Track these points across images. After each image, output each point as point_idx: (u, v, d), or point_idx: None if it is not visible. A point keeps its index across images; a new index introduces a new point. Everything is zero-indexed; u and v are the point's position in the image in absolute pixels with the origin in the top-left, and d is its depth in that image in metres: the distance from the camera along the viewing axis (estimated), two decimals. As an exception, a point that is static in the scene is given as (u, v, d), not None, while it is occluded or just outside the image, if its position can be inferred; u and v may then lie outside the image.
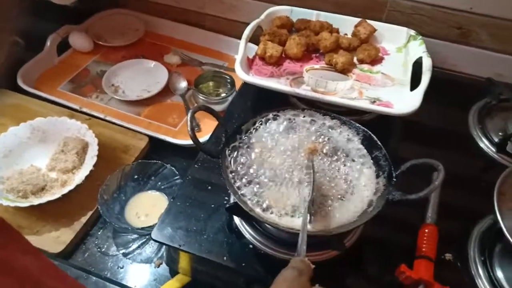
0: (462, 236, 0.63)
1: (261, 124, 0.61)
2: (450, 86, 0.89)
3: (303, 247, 0.45)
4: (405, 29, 0.85)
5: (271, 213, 0.52)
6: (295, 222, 0.51)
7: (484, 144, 0.77)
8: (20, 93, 0.92)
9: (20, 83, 0.92)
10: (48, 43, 1.02)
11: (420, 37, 0.83)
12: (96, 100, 0.94)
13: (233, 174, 0.55)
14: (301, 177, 0.54)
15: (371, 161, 0.57)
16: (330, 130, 0.61)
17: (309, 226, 0.50)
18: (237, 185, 0.54)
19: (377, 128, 0.60)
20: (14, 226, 0.68)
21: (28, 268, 0.34)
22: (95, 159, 0.75)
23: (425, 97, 0.69)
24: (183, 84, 0.96)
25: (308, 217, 0.49)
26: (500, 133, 0.78)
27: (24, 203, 0.69)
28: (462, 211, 0.67)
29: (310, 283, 0.42)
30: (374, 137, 0.58)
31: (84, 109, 0.88)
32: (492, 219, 0.63)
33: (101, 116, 0.87)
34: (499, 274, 0.58)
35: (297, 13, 0.89)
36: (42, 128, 0.82)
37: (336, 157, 0.57)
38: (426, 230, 0.60)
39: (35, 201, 0.70)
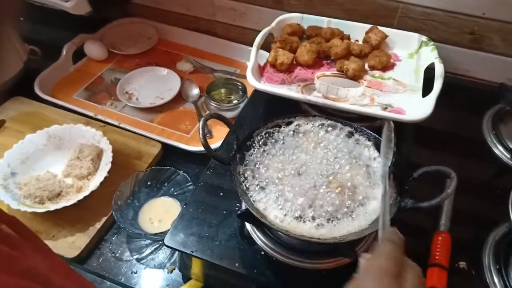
0: (476, 244, 0.62)
1: (272, 131, 0.61)
2: (463, 92, 0.88)
3: (387, 217, 0.44)
4: (416, 35, 0.85)
5: (282, 220, 0.52)
6: (306, 229, 0.51)
7: (499, 150, 0.76)
8: (37, 101, 0.94)
9: (37, 91, 0.95)
10: (64, 51, 1.05)
11: (432, 43, 0.83)
12: (110, 107, 0.96)
13: (244, 180, 0.56)
14: (311, 184, 0.54)
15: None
16: (342, 137, 0.61)
17: (320, 233, 0.50)
18: (248, 191, 0.54)
19: (389, 135, 0.60)
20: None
21: (38, 267, 0.35)
22: (109, 165, 0.77)
23: (437, 103, 0.69)
24: (195, 91, 0.97)
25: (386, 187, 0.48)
26: (514, 139, 0.77)
27: (41, 209, 0.71)
28: (476, 218, 0.66)
29: (404, 256, 0.40)
30: (386, 144, 0.58)
31: (99, 116, 0.90)
32: (507, 227, 0.62)
33: (115, 123, 0.88)
34: (515, 283, 0.58)
35: (308, 20, 0.89)
36: (58, 135, 0.84)
37: (350, 164, 0.57)
38: (440, 238, 0.59)
39: (51, 206, 0.71)
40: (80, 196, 0.72)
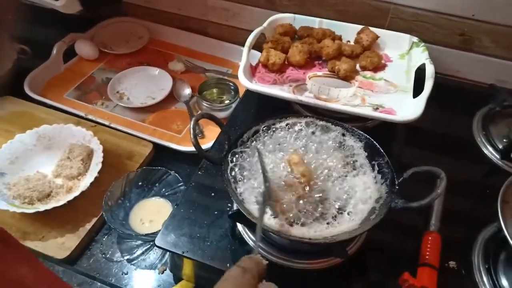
0: (466, 244, 0.63)
1: (263, 131, 0.61)
2: (453, 93, 0.89)
3: (258, 243, 0.46)
4: (407, 36, 0.86)
5: (273, 220, 0.52)
6: (297, 230, 0.51)
7: (488, 150, 0.77)
8: (27, 100, 0.93)
9: (27, 90, 0.94)
10: (54, 51, 1.04)
11: (423, 44, 0.84)
12: (101, 107, 0.95)
13: (235, 181, 0.55)
14: (301, 186, 0.54)
15: (377, 168, 0.57)
16: (331, 136, 0.61)
17: (312, 233, 0.50)
18: (239, 192, 0.54)
19: (380, 135, 0.60)
20: (20, 232, 0.69)
21: (23, 278, 0.35)
22: (100, 165, 0.76)
23: (428, 104, 0.69)
24: (187, 91, 0.97)
25: (263, 210, 0.49)
26: (504, 140, 0.77)
27: (30, 209, 0.70)
28: (466, 218, 0.66)
29: (257, 280, 0.41)
30: (377, 144, 0.58)
31: (90, 116, 0.89)
32: (496, 227, 0.63)
33: (106, 123, 0.88)
34: (504, 282, 0.58)
35: (300, 21, 0.90)
36: (48, 135, 0.83)
37: (339, 165, 0.57)
38: (430, 238, 0.60)
39: (41, 207, 0.70)
40: (70, 196, 0.72)
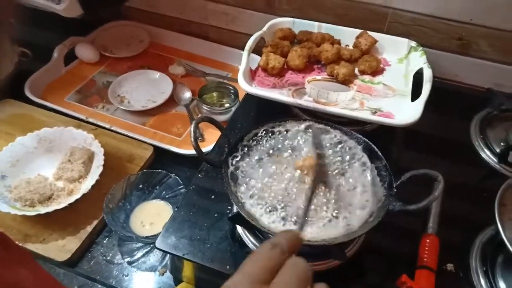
0: (463, 247, 0.63)
1: (263, 135, 0.62)
2: (451, 97, 0.90)
3: (300, 222, 0.44)
4: (406, 40, 0.87)
5: (273, 222, 0.52)
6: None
7: (486, 154, 0.78)
8: (28, 103, 0.93)
9: (28, 93, 0.94)
10: (55, 54, 1.04)
11: (421, 48, 0.84)
12: (102, 110, 0.96)
13: (235, 183, 0.56)
14: (301, 188, 0.55)
15: (375, 171, 0.58)
16: (332, 140, 0.62)
17: (310, 236, 0.50)
18: (239, 194, 0.55)
19: (378, 138, 0.61)
20: (21, 234, 0.70)
21: (23, 281, 0.35)
22: (101, 168, 0.76)
23: (426, 108, 0.70)
24: (187, 94, 0.98)
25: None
26: (501, 143, 0.78)
27: (31, 212, 0.70)
28: (464, 221, 0.67)
29: (286, 255, 0.36)
30: (375, 147, 0.59)
31: (90, 119, 0.90)
32: (493, 230, 0.63)
33: (107, 126, 0.88)
34: (501, 285, 0.59)
35: (299, 25, 0.90)
36: (49, 138, 0.83)
37: (338, 167, 0.58)
38: (427, 240, 0.60)
39: (42, 210, 0.71)
40: (71, 199, 0.72)
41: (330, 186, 0.55)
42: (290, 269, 0.34)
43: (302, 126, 0.63)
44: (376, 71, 0.82)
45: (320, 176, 0.51)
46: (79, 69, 1.07)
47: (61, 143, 0.83)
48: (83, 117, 0.90)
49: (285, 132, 0.62)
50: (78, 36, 1.10)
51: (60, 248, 0.69)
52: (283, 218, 0.52)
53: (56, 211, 0.70)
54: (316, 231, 0.51)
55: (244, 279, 0.34)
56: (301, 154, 0.59)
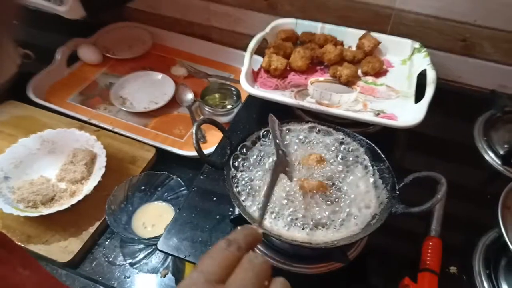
0: (466, 249, 0.63)
1: (265, 137, 0.62)
2: (455, 98, 0.89)
3: (260, 212, 0.43)
4: (409, 41, 0.86)
5: (275, 224, 0.52)
6: (298, 234, 0.51)
7: (489, 156, 0.77)
8: (30, 105, 0.94)
9: (30, 94, 0.95)
10: (58, 55, 1.05)
11: (425, 49, 0.84)
12: (104, 112, 0.96)
13: (237, 185, 0.56)
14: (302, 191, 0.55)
15: (377, 173, 0.58)
16: (335, 142, 0.61)
17: (311, 238, 0.50)
18: (241, 196, 0.55)
19: (381, 140, 0.60)
20: (23, 235, 0.70)
21: (26, 282, 0.35)
22: (103, 170, 0.77)
23: (430, 109, 0.70)
24: (190, 96, 0.98)
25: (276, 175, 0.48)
26: (505, 145, 0.78)
27: (34, 213, 0.71)
28: (467, 223, 0.66)
29: (243, 252, 0.35)
30: (378, 149, 0.59)
31: (93, 121, 0.90)
32: (497, 232, 0.63)
33: (109, 127, 0.88)
34: None
35: (302, 26, 0.90)
36: (51, 139, 0.83)
37: (340, 168, 0.58)
38: (430, 243, 0.60)
39: (45, 211, 0.71)
40: (74, 200, 0.72)
41: (331, 192, 0.55)
42: (246, 265, 0.34)
43: (305, 127, 0.63)
44: (379, 72, 0.82)
45: (281, 165, 0.50)
46: (81, 70, 1.07)
47: (63, 145, 0.83)
48: (85, 118, 0.90)
49: (288, 134, 0.62)
50: (81, 38, 1.10)
51: (62, 249, 0.69)
52: (287, 221, 0.52)
53: (58, 212, 0.71)
54: (319, 234, 0.51)
55: (200, 278, 0.33)
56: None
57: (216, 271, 0.33)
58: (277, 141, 0.53)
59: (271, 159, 0.57)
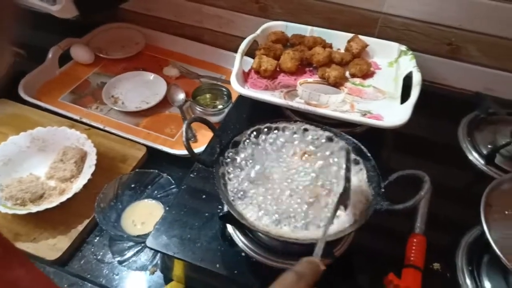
0: (450, 246, 0.64)
1: (254, 136, 0.63)
2: (440, 100, 0.91)
3: (320, 246, 0.45)
4: (396, 44, 0.88)
5: (262, 221, 0.53)
6: (285, 230, 0.52)
7: (473, 156, 0.79)
8: (21, 103, 0.94)
9: (22, 93, 0.95)
10: (50, 55, 1.05)
11: (411, 52, 0.86)
12: (96, 111, 0.96)
13: (226, 183, 0.57)
14: (291, 187, 0.56)
15: (364, 171, 0.59)
16: (322, 141, 0.63)
17: (298, 234, 0.51)
18: (229, 194, 0.56)
19: (368, 140, 0.62)
20: (11, 233, 0.70)
21: (21, 279, 0.36)
22: (93, 168, 0.77)
23: (416, 111, 0.71)
24: (181, 96, 0.98)
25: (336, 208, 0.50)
26: (489, 146, 0.80)
27: (22, 211, 0.70)
28: (451, 221, 0.68)
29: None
30: (364, 148, 0.60)
31: (84, 120, 0.90)
32: (479, 230, 0.64)
33: (101, 126, 0.89)
34: (487, 284, 0.60)
35: (292, 29, 0.92)
36: (41, 137, 0.83)
37: (327, 165, 0.59)
38: (415, 240, 0.61)
39: (33, 208, 0.71)
40: (63, 198, 0.72)
41: (318, 194, 0.56)
42: None
43: (294, 127, 0.64)
44: (367, 74, 0.84)
45: (344, 197, 0.52)
46: (73, 70, 1.07)
47: (54, 143, 0.83)
48: (77, 117, 0.90)
49: (277, 133, 0.63)
50: (73, 38, 1.10)
51: (51, 247, 0.69)
52: (275, 219, 0.53)
53: (47, 210, 0.71)
54: (305, 231, 0.52)
55: None
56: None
57: None
58: (348, 175, 0.53)
59: (258, 167, 0.58)
